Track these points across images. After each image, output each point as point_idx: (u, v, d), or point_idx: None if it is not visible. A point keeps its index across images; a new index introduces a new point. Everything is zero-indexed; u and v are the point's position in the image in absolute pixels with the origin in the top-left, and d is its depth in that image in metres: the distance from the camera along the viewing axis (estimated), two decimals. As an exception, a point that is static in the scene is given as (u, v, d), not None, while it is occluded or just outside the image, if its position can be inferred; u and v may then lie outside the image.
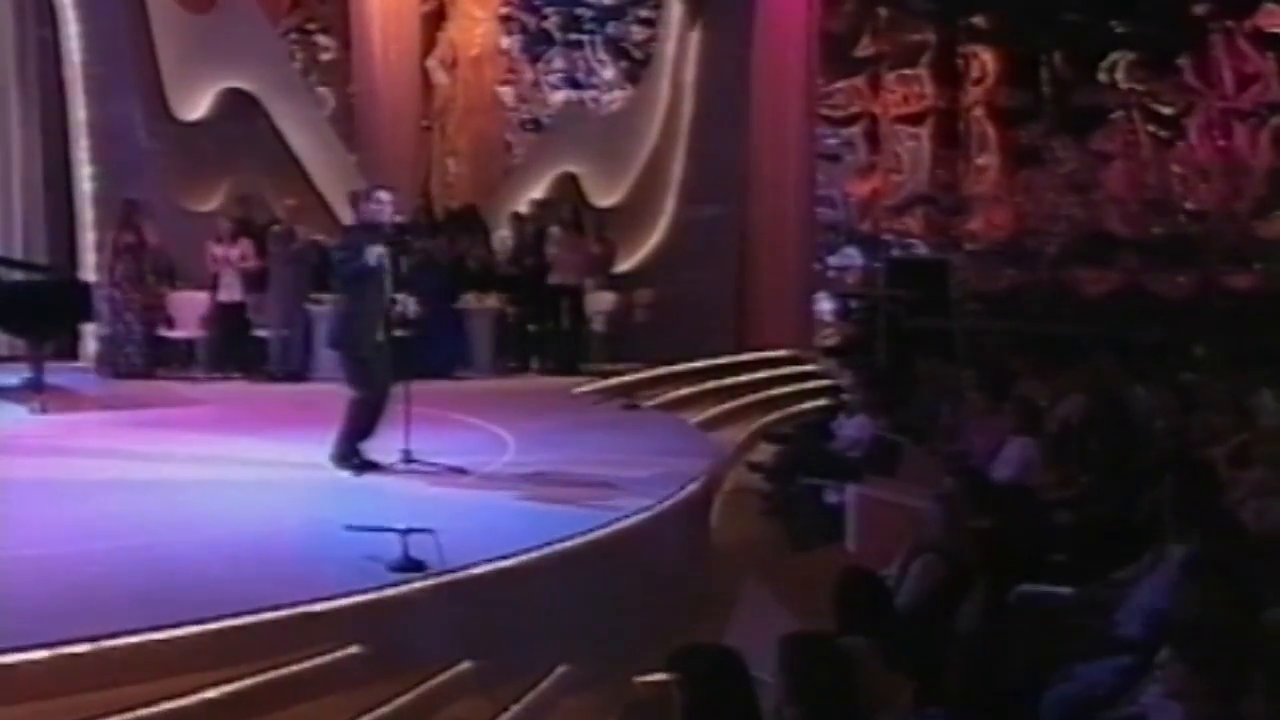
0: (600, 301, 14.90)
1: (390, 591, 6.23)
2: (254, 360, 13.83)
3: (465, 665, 6.40)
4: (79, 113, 14.42)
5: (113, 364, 13.55)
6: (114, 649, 5.48)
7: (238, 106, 15.29)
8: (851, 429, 11.29)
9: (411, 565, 6.42)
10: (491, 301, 14.59)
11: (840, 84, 17.16)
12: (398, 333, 13.66)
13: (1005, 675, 6.01)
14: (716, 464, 9.81)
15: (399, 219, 9.19)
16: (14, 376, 12.03)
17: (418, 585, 6.32)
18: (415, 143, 17.53)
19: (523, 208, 15.65)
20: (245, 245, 13.70)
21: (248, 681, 5.65)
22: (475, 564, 6.58)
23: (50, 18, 14.51)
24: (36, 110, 14.66)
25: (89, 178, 14.39)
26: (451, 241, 14.82)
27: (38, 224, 14.72)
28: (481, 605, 6.58)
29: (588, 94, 17.62)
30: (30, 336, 11.47)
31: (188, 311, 13.93)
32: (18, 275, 11.84)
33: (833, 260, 17.22)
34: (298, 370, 13.59)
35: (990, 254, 16.72)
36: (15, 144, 14.63)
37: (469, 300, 14.43)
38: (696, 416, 13.42)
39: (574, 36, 17.71)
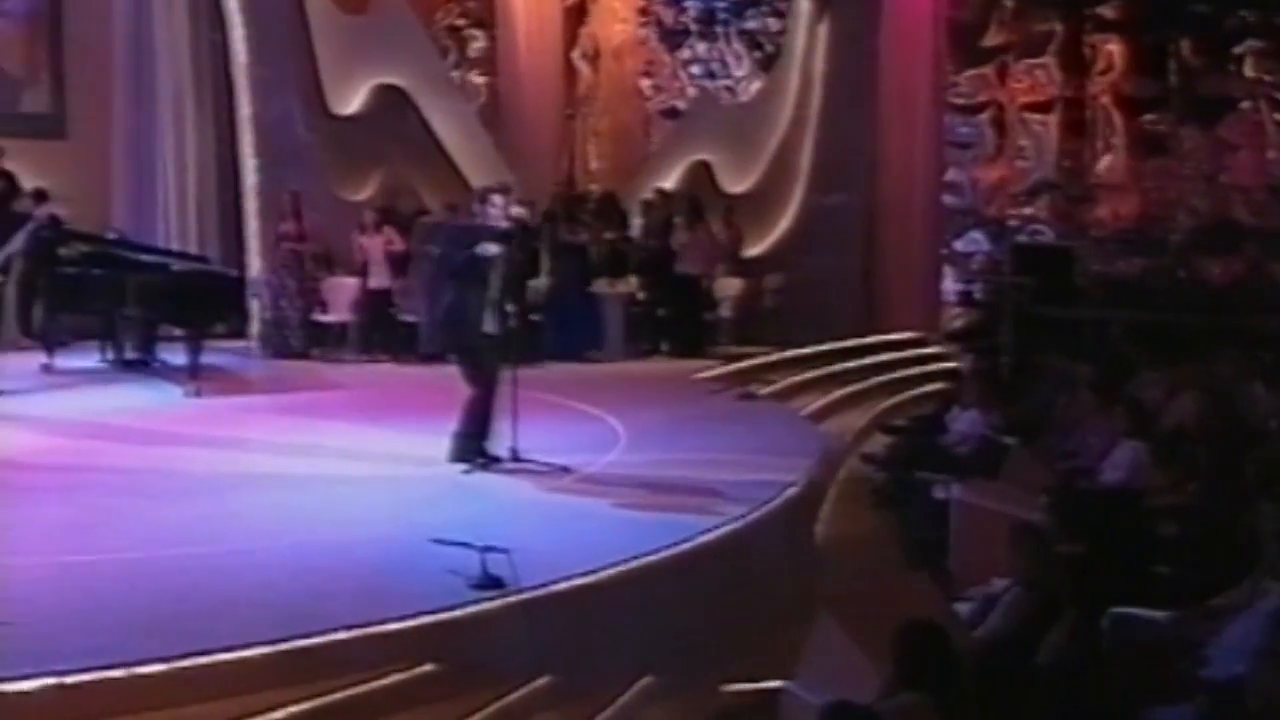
0: (727, 287, 14.37)
1: (463, 611, 5.85)
2: (402, 343, 13.62)
3: (543, 680, 6.01)
4: (244, 110, 14.33)
5: (273, 345, 13.53)
6: (185, 669, 5.21)
7: (389, 101, 15.08)
8: (963, 423, 10.56)
9: (490, 583, 6.04)
10: (624, 287, 14.16)
11: (968, 73, 16.22)
12: (532, 316, 13.64)
13: (1086, 715, 5.40)
14: (822, 463, 9.20)
15: (517, 215, 8.72)
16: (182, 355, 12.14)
17: (492, 604, 5.92)
18: (558, 131, 17.14)
19: (650, 196, 15.13)
20: (390, 234, 13.49)
21: (317, 702, 5.34)
22: (553, 582, 6.16)
23: (220, 22, 14.45)
24: (210, 108, 14.68)
25: (253, 171, 14.32)
26: (587, 227, 14.40)
27: (211, 215, 14.76)
28: (560, 620, 6.17)
29: (722, 84, 16.96)
30: (183, 326, 11.37)
31: (340, 296, 13.80)
32: (177, 266, 11.72)
33: (958, 244, 16.34)
34: (438, 352, 13.34)
35: (1115, 242, 15.68)
36: (190, 140, 14.68)
37: (602, 285, 14.03)
38: (819, 401, 12.90)
39: (711, 29, 17.05)
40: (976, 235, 16.24)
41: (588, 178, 17.31)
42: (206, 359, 12.49)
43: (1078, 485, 8.81)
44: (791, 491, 8.08)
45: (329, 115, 14.76)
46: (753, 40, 16.81)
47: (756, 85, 16.70)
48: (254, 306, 13.78)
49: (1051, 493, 6.76)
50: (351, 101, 14.97)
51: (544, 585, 6.10)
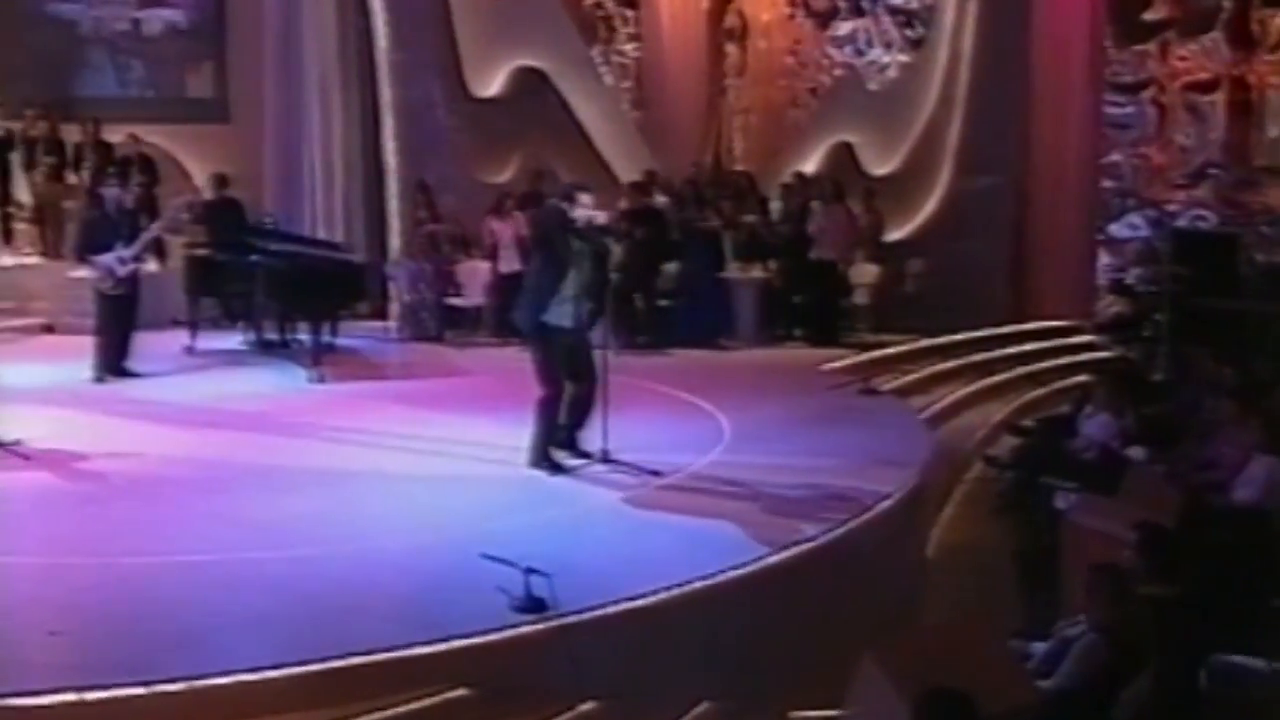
0: (865, 274, 13.77)
1: (499, 635, 5.59)
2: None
3: (588, 706, 5.72)
4: (385, 94, 14.33)
5: (411, 327, 13.53)
6: (206, 689, 5.09)
7: (529, 83, 14.90)
8: (1093, 426, 9.76)
9: (533, 605, 5.76)
10: (758, 272, 13.71)
11: (1128, 50, 15.13)
12: (661, 302, 13.32)
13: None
14: (926, 471, 8.63)
15: (600, 218, 8.41)
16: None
17: (530, 628, 5.65)
18: (703, 111, 16.69)
19: (789, 179, 14.61)
20: (520, 219, 13.30)
21: (345, 724, 5.16)
22: (597, 606, 5.85)
23: (365, 7, 14.45)
24: (355, 94, 14.68)
25: (393, 154, 14.31)
26: (720, 211, 13.97)
27: (357, 198, 14.82)
28: (609, 644, 5.88)
29: (871, 62, 16.25)
30: (303, 314, 11.41)
31: (474, 280, 13.71)
32: (301, 254, 11.76)
33: (1114, 229, 15.32)
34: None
35: (1282, 229, 14.47)
36: (336, 125, 14.73)
37: (735, 270, 13.61)
38: (957, 393, 12.29)
39: (860, 5, 16.34)
40: (1134, 220, 15.21)
41: (735, 157, 16.82)
42: (345, 341, 12.72)
43: (1206, 502, 8.12)
44: (885, 505, 7.58)
45: (469, 98, 14.68)
46: (903, 17, 16.02)
47: (902, 63, 15.94)
48: (393, 289, 13.87)
49: (1142, 529, 6.11)
50: (491, 84, 14.86)
51: (587, 610, 5.79)
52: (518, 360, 12.39)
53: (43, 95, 14.67)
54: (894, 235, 14.56)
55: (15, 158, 14.35)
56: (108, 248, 10.60)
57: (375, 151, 14.56)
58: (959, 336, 13.42)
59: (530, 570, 5.79)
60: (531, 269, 8.61)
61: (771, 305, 13.67)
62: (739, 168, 16.37)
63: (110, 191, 11.09)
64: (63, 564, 6.33)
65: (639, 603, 5.94)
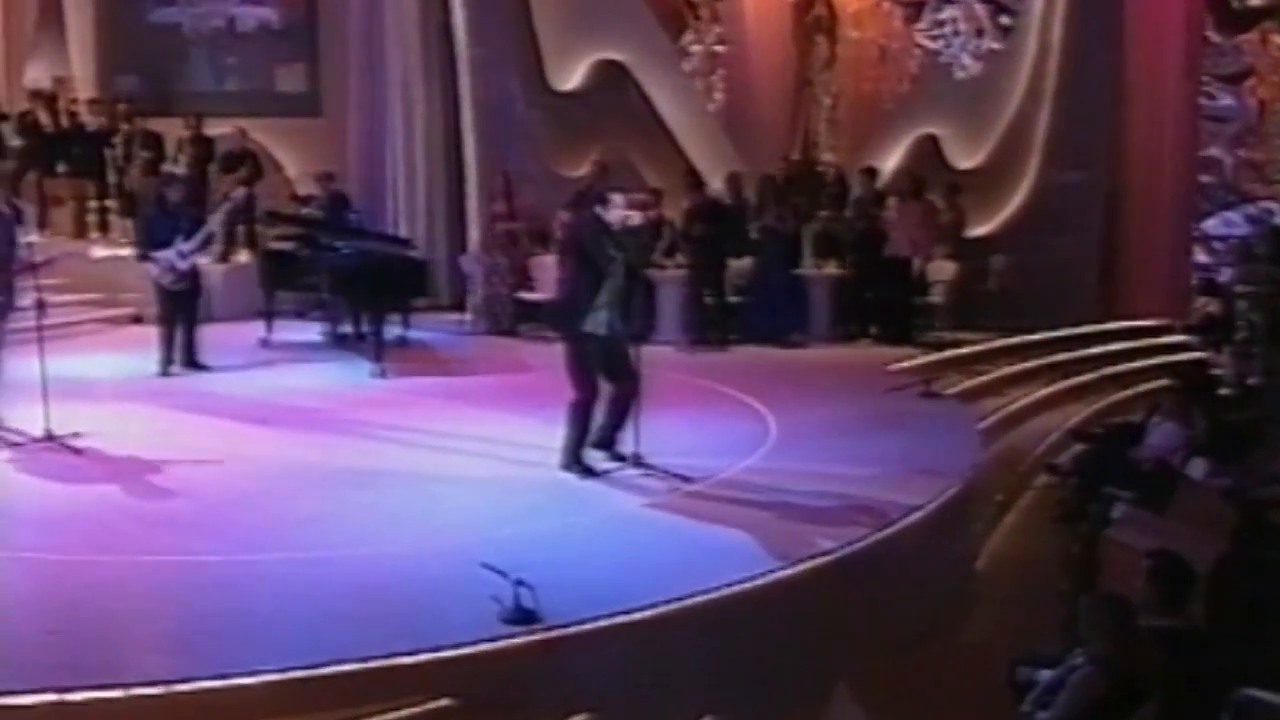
0: (941, 271, 13.42)
1: (484, 646, 5.55)
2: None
3: (580, 718, 5.65)
4: (465, 89, 14.38)
5: (485, 321, 13.59)
6: (189, 692, 5.15)
7: (609, 76, 14.83)
8: (1159, 435, 9.39)
9: (522, 617, 5.71)
10: (833, 268, 13.46)
11: (1226, 40, 14.49)
12: (733, 299, 13.16)
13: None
14: (965, 482, 8.35)
15: (635, 219, 8.31)
16: (396, 328, 12.40)
17: (515, 640, 5.60)
18: (788, 103, 16.42)
19: (865, 175, 14.28)
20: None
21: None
22: (592, 619, 5.77)
23: (445, 3, 14.51)
24: (437, 89, 14.77)
25: (472, 149, 14.36)
26: (794, 206, 13.73)
27: (439, 194, 14.92)
28: (600, 656, 5.80)
29: (962, 52, 15.83)
30: (366, 308, 11.52)
31: (547, 275, 13.65)
32: (368, 249, 11.87)
33: (1209, 226, 14.71)
34: (640, 332, 13.06)
35: (1390, 227, 13.71)
36: (419, 120, 14.85)
37: (809, 266, 13.38)
38: (1035, 394, 11.95)
39: (951, -5, 15.96)
40: (1232, 216, 14.58)
41: (822, 150, 16.53)
42: (420, 334, 12.83)
43: (1266, 519, 7.73)
44: (912, 518, 7.36)
45: (549, 91, 14.66)
46: (996, 6, 15.56)
47: (991, 53, 15.50)
48: (470, 282, 13.94)
49: (1155, 557, 5.79)
50: (572, 77, 14.81)
51: (575, 623, 5.72)
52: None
53: (142, 91, 15.08)
54: (977, 231, 14.16)
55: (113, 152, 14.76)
56: (168, 244, 10.82)
57: (456, 146, 14.66)
58: (1039, 336, 13.04)
59: (519, 582, 5.73)
60: (565, 276, 8.54)
61: (846, 302, 13.42)
62: (827, 161, 16.12)
63: (169, 188, 11.32)
64: (75, 561, 6.46)
65: (630, 617, 5.84)
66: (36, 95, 14.37)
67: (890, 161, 14.79)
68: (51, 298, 12.10)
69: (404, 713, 5.36)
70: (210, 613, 5.82)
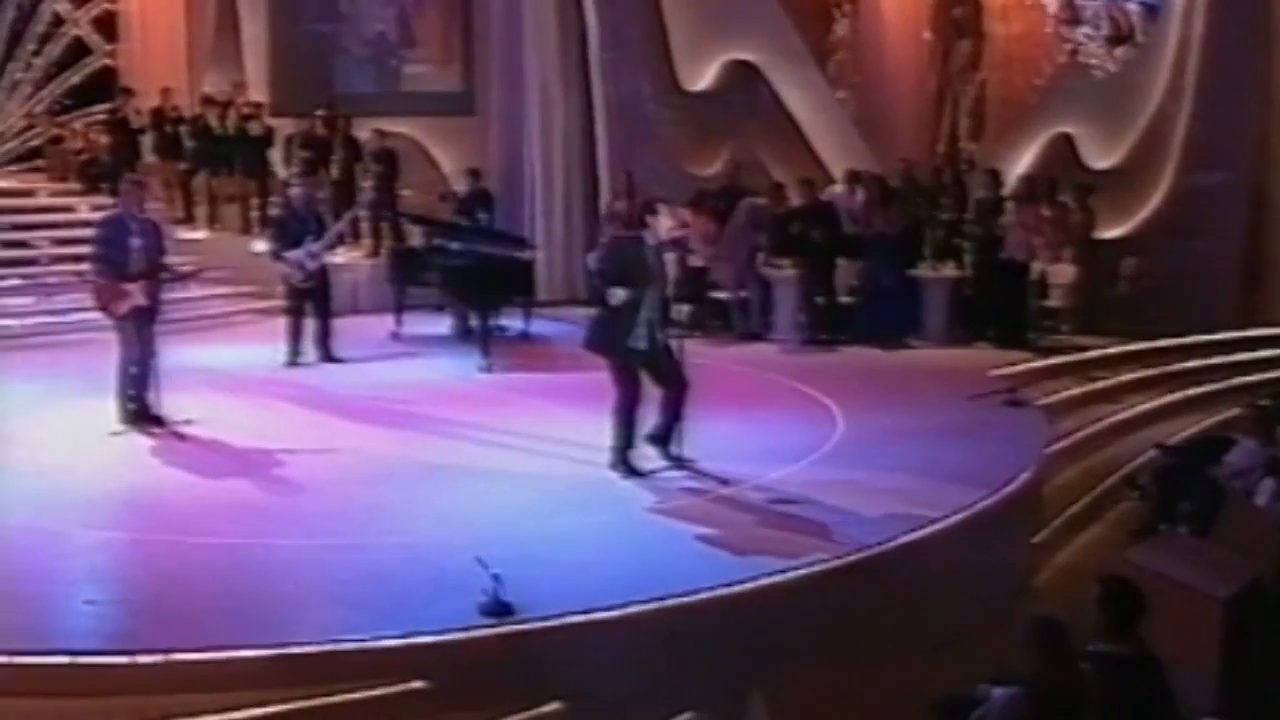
0: (1061, 274, 13.22)
1: (452, 635, 6.03)
2: (721, 321, 13.70)
3: (551, 707, 6.08)
4: (597, 90, 14.89)
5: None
6: (184, 662, 5.79)
7: (740, 76, 15.10)
8: (1238, 455, 9.17)
9: (498, 609, 6.17)
10: (950, 270, 13.44)
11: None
12: (844, 299, 13.25)
13: None
14: (1002, 496, 8.35)
15: (676, 233, 8.62)
16: (516, 321, 13.05)
17: (487, 630, 6.08)
18: (923, 100, 16.32)
19: (989, 176, 14.13)
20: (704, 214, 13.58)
21: (299, 705, 5.74)
22: (563, 614, 6.19)
23: (580, 7, 15.03)
24: (575, 93, 15.29)
25: (604, 148, 14.87)
26: (917, 207, 13.74)
27: (576, 193, 15.45)
28: (579, 648, 6.21)
29: (1107, 50, 15.43)
30: (474, 308, 12.13)
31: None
32: (477, 249, 12.49)
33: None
34: (756, 331, 13.37)
35: None
36: (556, 121, 15.39)
37: (926, 267, 13.40)
38: (1149, 402, 11.71)
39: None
40: (1387, 221, 13.84)
41: (960, 151, 16.39)
42: (543, 328, 13.36)
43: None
44: (924, 532, 7.47)
45: (680, 91, 15.04)
46: (1144, 4, 15.12)
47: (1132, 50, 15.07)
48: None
49: (1105, 582, 5.78)
50: (703, 77, 15.16)
51: (548, 617, 6.15)
52: (695, 355, 12.89)
53: (305, 96, 16.07)
54: (1110, 233, 13.89)
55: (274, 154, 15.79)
56: (297, 243, 11.63)
57: (591, 147, 15.18)
58: (1163, 342, 12.73)
59: (495, 577, 6.19)
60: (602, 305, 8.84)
61: (962, 305, 13.37)
62: (969, 160, 15.97)
63: (297, 190, 12.16)
64: (138, 540, 7.23)
65: (595, 615, 6.24)
66: (208, 101, 15.48)
67: (1025, 160, 14.60)
68: (215, 290, 13.35)
69: (378, 692, 5.89)
70: (212, 592, 6.50)
